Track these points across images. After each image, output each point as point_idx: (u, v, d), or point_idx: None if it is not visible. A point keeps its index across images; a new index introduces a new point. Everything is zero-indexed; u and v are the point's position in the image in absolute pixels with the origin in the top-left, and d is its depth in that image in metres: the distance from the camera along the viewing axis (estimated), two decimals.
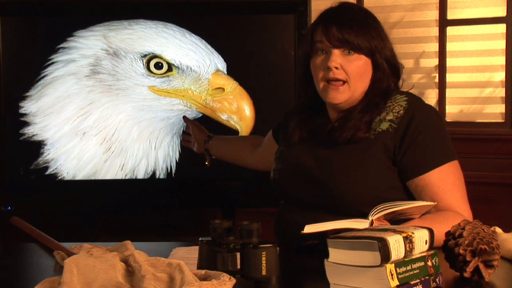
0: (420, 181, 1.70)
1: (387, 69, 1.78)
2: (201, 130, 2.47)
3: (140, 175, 2.83)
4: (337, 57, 1.73)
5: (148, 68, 2.77)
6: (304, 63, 1.84)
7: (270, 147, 2.06)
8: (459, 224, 1.38)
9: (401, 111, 1.74)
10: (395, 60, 1.82)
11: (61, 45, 2.81)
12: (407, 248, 1.23)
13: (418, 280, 1.24)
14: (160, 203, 2.96)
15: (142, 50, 2.78)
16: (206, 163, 2.39)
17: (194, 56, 2.76)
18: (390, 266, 1.20)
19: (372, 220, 1.46)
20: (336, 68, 1.73)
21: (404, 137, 1.71)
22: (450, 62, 3.26)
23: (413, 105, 1.75)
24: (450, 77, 3.27)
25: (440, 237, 1.38)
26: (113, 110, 2.80)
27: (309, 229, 1.41)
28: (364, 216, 1.52)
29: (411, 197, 1.72)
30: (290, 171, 1.84)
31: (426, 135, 1.72)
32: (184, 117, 2.65)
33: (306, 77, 1.85)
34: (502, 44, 3.15)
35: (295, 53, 2.77)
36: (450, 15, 3.25)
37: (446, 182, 1.69)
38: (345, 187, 1.70)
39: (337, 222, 1.44)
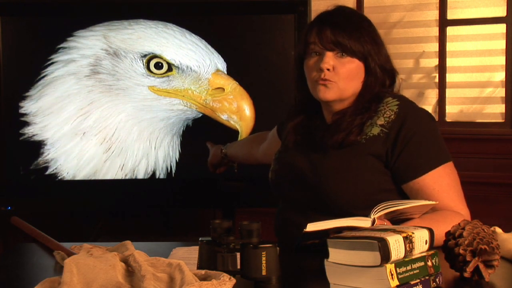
0: (415, 184, 1.71)
1: (379, 74, 1.79)
2: (213, 146, 2.60)
3: (140, 175, 2.83)
4: (330, 58, 1.75)
5: (148, 68, 2.77)
6: (298, 65, 1.85)
7: (274, 142, 2.09)
8: (459, 224, 1.38)
9: (392, 116, 1.75)
10: (389, 65, 1.82)
11: (61, 45, 2.80)
12: (407, 248, 1.23)
13: (418, 280, 1.24)
14: (160, 203, 2.96)
15: (142, 50, 2.78)
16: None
17: (194, 56, 2.76)
18: (390, 266, 1.20)
19: (374, 219, 1.46)
20: (328, 69, 1.74)
21: (395, 142, 1.72)
22: (450, 62, 3.26)
23: (404, 109, 1.76)
24: (450, 77, 3.27)
25: (440, 236, 1.38)
26: (113, 110, 2.80)
27: (311, 227, 1.42)
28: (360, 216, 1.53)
29: (404, 198, 1.73)
30: (286, 173, 1.87)
31: (419, 138, 1.72)
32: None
33: (300, 79, 1.86)
34: (502, 44, 3.15)
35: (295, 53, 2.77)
36: (450, 15, 3.25)
37: (441, 183, 1.70)
38: (335, 191, 1.73)
39: (339, 220, 1.44)
